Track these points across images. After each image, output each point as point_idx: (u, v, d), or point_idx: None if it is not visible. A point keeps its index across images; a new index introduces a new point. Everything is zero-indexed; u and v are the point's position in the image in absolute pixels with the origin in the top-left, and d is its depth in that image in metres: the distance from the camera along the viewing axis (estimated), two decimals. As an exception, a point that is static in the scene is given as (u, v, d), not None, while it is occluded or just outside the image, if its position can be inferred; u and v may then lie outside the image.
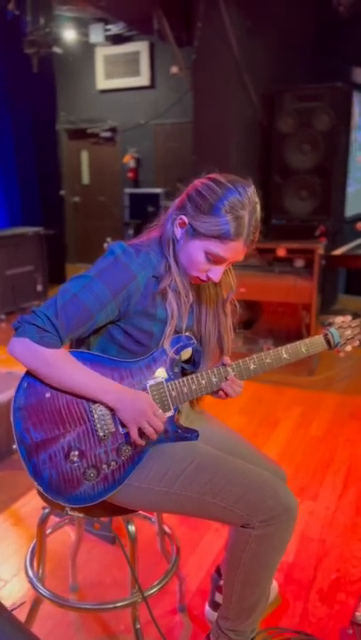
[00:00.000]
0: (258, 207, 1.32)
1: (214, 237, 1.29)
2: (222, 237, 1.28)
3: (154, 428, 1.32)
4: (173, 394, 1.39)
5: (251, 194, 1.30)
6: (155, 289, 1.35)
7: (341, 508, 2.41)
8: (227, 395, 1.42)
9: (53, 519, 1.73)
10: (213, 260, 1.32)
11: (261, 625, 1.68)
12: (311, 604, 1.88)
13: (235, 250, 1.31)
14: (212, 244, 1.30)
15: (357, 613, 1.73)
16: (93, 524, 2.16)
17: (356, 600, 1.84)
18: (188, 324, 1.43)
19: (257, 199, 1.32)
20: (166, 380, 1.39)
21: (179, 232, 1.35)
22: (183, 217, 1.32)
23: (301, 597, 1.91)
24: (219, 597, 1.71)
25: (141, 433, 1.33)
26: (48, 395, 1.31)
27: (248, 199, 1.29)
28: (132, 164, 7.43)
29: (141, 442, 1.34)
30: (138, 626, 1.51)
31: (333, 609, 1.86)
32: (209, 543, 2.17)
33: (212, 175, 1.34)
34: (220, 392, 1.42)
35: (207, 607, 1.77)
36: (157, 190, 6.94)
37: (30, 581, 1.58)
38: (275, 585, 1.87)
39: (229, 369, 1.42)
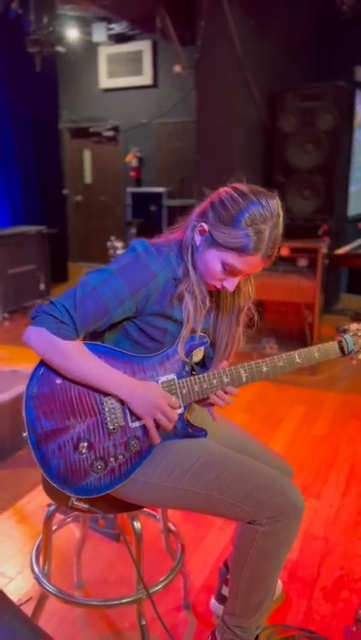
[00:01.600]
0: (280, 221, 1.29)
1: (232, 249, 1.28)
2: (240, 250, 1.28)
3: (168, 418, 1.33)
4: (184, 391, 1.39)
5: (274, 207, 1.28)
6: (174, 290, 1.35)
7: (345, 507, 2.41)
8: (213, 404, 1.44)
9: (58, 517, 1.73)
10: (229, 271, 1.32)
11: (266, 622, 1.68)
12: (315, 602, 1.89)
13: (252, 264, 1.30)
14: (230, 256, 1.29)
15: (361, 611, 1.74)
16: (98, 521, 2.17)
17: (360, 598, 1.85)
18: (203, 327, 1.43)
19: (281, 212, 1.30)
20: (178, 378, 1.39)
21: (198, 239, 1.34)
22: (204, 224, 1.32)
23: (305, 595, 1.91)
24: (225, 590, 1.71)
25: (157, 424, 1.34)
26: (61, 385, 1.32)
27: (270, 213, 1.27)
28: (134, 163, 7.44)
29: (157, 435, 1.35)
30: (143, 622, 1.51)
31: (337, 607, 1.86)
32: (213, 540, 2.18)
33: (238, 185, 1.32)
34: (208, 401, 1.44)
35: (213, 600, 1.77)
36: (160, 189, 6.95)
37: (36, 578, 1.58)
38: (279, 583, 1.87)
39: (241, 370, 1.42)
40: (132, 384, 1.33)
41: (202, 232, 1.33)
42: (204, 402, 1.46)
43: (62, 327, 1.26)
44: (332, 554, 2.12)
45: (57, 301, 1.28)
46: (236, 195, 1.28)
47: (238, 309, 1.48)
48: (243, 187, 1.31)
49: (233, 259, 1.29)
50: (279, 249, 1.33)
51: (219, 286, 1.36)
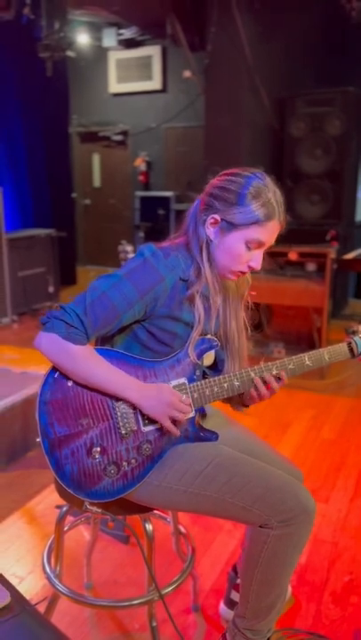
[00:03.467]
0: (276, 188, 1.37)
1: (253, 224, 1.32)
2: (260, 221, 1.32)
3: (183, 412, 1.35)
4: (195, 395, 1.40)
5: (267, 177, 1.36)
6: (182, 293, 1.37)
7: (354, 511, 2.42)
8: (260, 395, 1.44)
9: (69, 518, 1.74)
10: (254, 246, 1.36)
11: (275, 625, 1.69)
12: (324, 606, 1.89)
13: (272, 230, 1.36)
14: (252, 231, 1.33)
15: (371, 616, 1.74)
16: (107, 523, 2.18)
17: (370, 602, 1.85)
18: (215, 328, 1.45)
19: (272, 182, 1.38)
20: (189, 382, 1.41)
21: (212, 232, 1.37)
22: (215, 216, 1.35)
23: (314, 599, 1.92)
24: (235, 595, 1.72)
25: (174, 422, 1.36)
26: (73, 390, 1.33)
27: (268, 183, 1.35)
28: (142, 167, 7.47)
29: (177, 431, 1.36)
30: (154, 624, 1.52)
31: (347, 611, 1.87)
32: (222, 543, 2.19)
33: (226, 171, 1.39)
34: (253, 392, 1.44)
35: (222, 605, 1.78)
36: (168, 193, 6.98)
37: (48, 578, 1.60)
38: (288, 586, 1.87)
39: (252, 372, 1.43)
40: (143, 388, 1.35)
41: (214, 224, 1.36)
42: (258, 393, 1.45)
43: (73, 332, 1.28)
44: (341, 558, 2.12)
45: (67, 307, 1.30)
46: (230, 177, 1.35)
47: (241, 297, 1.51)
48: (230, 170, 1.38)
49: (256, 232, 1.33)
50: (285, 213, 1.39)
51: (245, 269, 1.39)
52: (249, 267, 1.38)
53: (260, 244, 1.36)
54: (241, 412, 1.57)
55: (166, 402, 1.33)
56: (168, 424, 1.34)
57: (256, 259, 1.38)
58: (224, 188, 1.34)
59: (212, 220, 1.36)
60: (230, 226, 1.33)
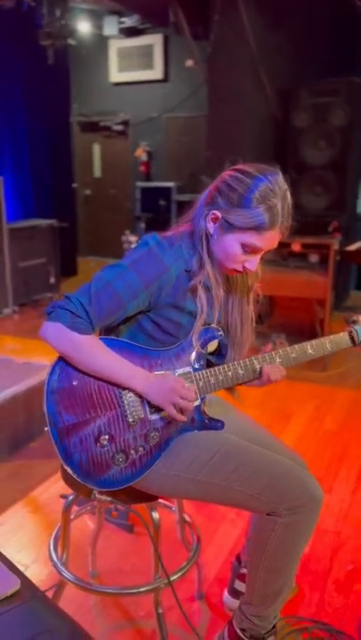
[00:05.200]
0: (288, 193, 1.32)
1: (250, 229, 1.29)
2: (258, 228, 1.29)
3: (187, 399, 1.33)
4: (201, 384, 1.40)
5: (280, 181, 1.30)
6: (186, 283, 1.36)
7: (356, 502, 2.43)
8: (269, 378, 1.42)
9: (74, 508, 1.75)
10: (250, 250, 1.33)
11: (279, 614, 1.70)
12: (328, 595, 1.90)
13: (271, 239, 1.32)
14: (249, 236, 1.31)
15: (374, 604, 1.75)
16: (111, 512, 2.19)
17: (373, 591, 1.86)
18: (217, 318, 1.44)
19: (286, 186, 1.32)
20: (194, 371, 1.40)
21: (212, 227, 1.35)
22: (216, 212, 1.33)
23: (318, 588, 1.93)
24: (238, 585, 1.73)
25: (179, 409, 1.34)
26: (80, 379, 1.33)
27: (278, 186, 1.29)
28: (143, 157, 7.43)
29: (183, 417, 1.35)
30: (160, 610, 1.53)
31: (350, 599, 1.88)
32: (225, 533, 2.19)
33: (239, 166, 1.34)
34: (263, 377, 1.43)
35: (226, 594, 1.79)
36: (169, 184, 6.95)
37: (55, 566, 1.61)
38: (292, 575, 1.89)
39: (255, 361, 1.43)
40: (148, 376, 1.35)
41: (214, 220, 1.34)
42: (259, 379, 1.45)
43: (78, 321, 1.28)
44: (344, 548, 2.13)
45: (72, 296, 1.30)
46: (240, 175, 1.30)
47: (248, 288, 1.49)
48: (244, 166, 1.33)
49: (253, 238, 1.31)
50: (293, 219, 1.35)
51: (240, 269, 1.37)
52: (244, 267, 1.37)
53: (256, 250, 1.34)
54: (237, 399, 1.56)
55: (169, 388, 1.32)
56: (172, 411, 1.33)
57: (252, 261, 1.36)
58: (231, 186, 1.30)
59: (212, 216, 1.34)
60: (229, 226, 1.31)
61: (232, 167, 1.35)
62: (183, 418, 1.35)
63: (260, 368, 1.43)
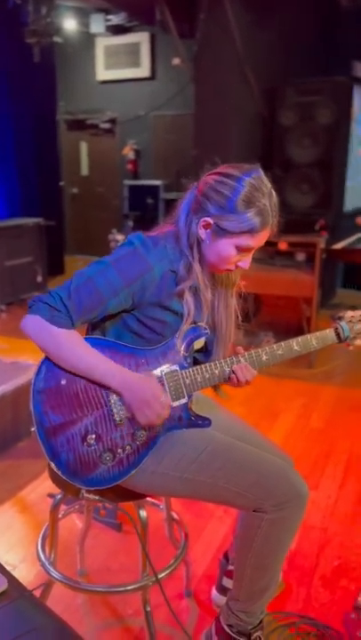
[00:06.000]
0: (273, 190, 1.34)
1: (244, 233, 1.32)
2: (252, 231, 1.32)
3: (157, 415, 1.33)
4: (187, 381, 1.41)
5: (263, 178, 1.33)
6: (172, 285, 1.37)
7: (342, 498, 2.45)
8: (238, 379, 1.43)
9: (62, 507, 1.75)
10: (244, 250, 1.36)
11: (266, 609, 1.72)
12: (314, 590, 1.92)
13: (264, 237, 1.36)
14: (243, 239, 1.33)
15: (360, 598, 1.78)
16: (99, 511, 2.19)
17: (358, 586, 1.89)
18: (206, 319, 1.46)
19: (269, 183, 1.34)
20: (180, 368, 1.41)
21: (203, 233, 1.36)
22: (207, 219, 1.33)
23: (305, 583, 1.95)
24: (226, 582, 1.75)
25: (146, 422, 1.34)
26: (66, 379, 1.33)
27: (264, 185, 1.32)
28: (131, 155, 7.42)
29: (154, 425, 1.36)
30: (148, 608, 1.54)
31: (336, 595, 1.90)
32: (213, 530, 2.21)
33: (220, 169, 1.34)
34: (232, 376, 1.43)
35: (214, 591, 1.81)
36: (157, 182, 6.94)
37: (42, 565, 1.61)
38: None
39: (241, 358, 1.45)
40: (126, 376, 1.33)
41: (206, 226, 1.35)
42: (228, 379, 1.45)
43: (57, 315, 1.29)
44: (331, 544, 2.16)
45: (53, 291, 1.31)
46: (225, 179, 1.31)
47: (232, 284, 1.51)
48: (226, 168, 1.34)
49: (247, 240, 1.33)
50: (279, 215, 1.37)
51: (233, 268, 1.40)
52: (237, 266, 1.39)
53: (249, 249, 1.37)
54: (223, 397, 1.56)
55: (141, 398, 1.32)
56: (140, 418, 1.33)
57: (245, 260, 1.39)
58: (218, 191, 1.31)
59: (203, 223, 1.34)
60: (222, 231, 1.33)
61: (213, 170, 1.36)
62: (145, 428, 1.35)
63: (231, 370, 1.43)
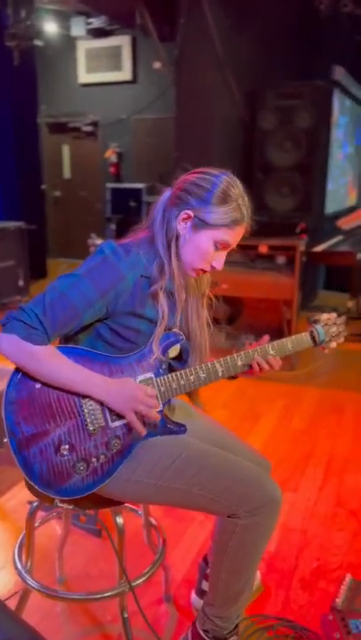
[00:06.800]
0: (244, 193, 1.39)
1: (224, 225, 1.34)
2: (232, 224, 1.35)
3: (149, 406, 1.34)
4: (162, 389, 1.41)
5: (236, 180, 1.38)
6: (145, 289, 1.37)
7: (322, 500, 2.47)
8: (261, 368, 1.49)
9: (40, 513, 1.74)
10: (221, 247, 1.38)
11: (245, 612, 1.73)
12: (293, 592, 1.94)
13: (239, 233, 1.39)
14: (222, 233, 1.35)
15: (337, 600, 1.79)
16: (79, 517, 2.19)
17: (336, 587, 1.90)
18: (180, 323, 1.46)
19: (241, 185, 1.40)
20: (155, 376, 1.41)
21: (183, 227, 1.37)
22: (188, 211, 1.35)
23: (283, 586, 1.96)
24: (205, 585, 1.75)
25: (140, 417, 1.35)
26: (39, 389, 1.33)
27: (237, 184, 1.37)
28: (113, 158, 7.42)
29: (142, 428, 1.36)
30: (125, 615, 1.54)
31: (314, 596, 1.92)
32: (193, 534, 2.21)
33: (197, 170, 1.39)
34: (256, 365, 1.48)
35: (193, 595, 1.81)
36: (139, 185, 6.95)
37: (19, 574, 1.60)
38: (257, 574, 1.91)
39: (217, 364, 1.45)
40: (107, 383, 1.34)
41: (186, 219, 1.36)
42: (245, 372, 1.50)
43: (33, 332, 1.27)
44: (310, 545, 2.17)
45: (26, 307, 1.29)
46: (204, 175, 1.36)
47: (202, 294, 1.53)
48: (202, 169, 1.38)
49: (225, 234, 1.36)
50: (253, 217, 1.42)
51: (208, 268, 1.41)
52: (211, 266, 1.41)
53: (226, 246, 1.39)
54: (199, 407, 1.58)
55: (129, 395, 1.33)
56: (132, 418, 1.34)
57: (219, 259, 1.40)
58: (198, 185, 1.34)
59: (184, 216, 1.36)
60: (202, 224, 1.35)
61: (188, 172, 1.40)
62: (142, 430, 1.36)
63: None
